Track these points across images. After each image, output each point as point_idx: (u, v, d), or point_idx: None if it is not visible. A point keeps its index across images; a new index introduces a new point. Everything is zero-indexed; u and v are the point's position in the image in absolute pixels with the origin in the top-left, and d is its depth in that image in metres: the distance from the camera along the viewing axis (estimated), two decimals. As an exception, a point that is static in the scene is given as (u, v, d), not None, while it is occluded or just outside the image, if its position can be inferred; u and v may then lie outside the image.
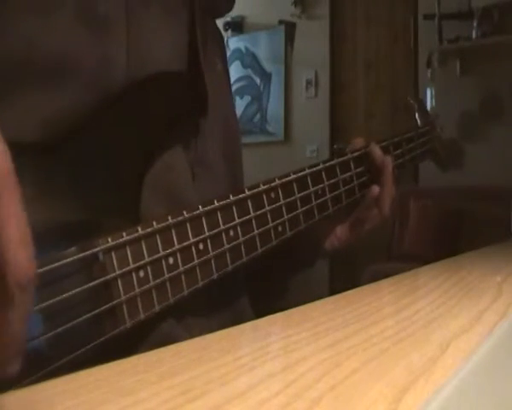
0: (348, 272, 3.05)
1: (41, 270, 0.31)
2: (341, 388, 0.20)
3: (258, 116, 3.75)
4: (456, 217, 2.67)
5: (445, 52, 3.02)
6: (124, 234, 0.36)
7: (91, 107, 0.40)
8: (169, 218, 0.38)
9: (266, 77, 3.74)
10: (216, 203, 0.42)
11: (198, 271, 0.40)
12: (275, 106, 3.68)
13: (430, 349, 0.25)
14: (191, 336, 0.44)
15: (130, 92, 0.42)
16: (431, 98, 2.94)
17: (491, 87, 2.89)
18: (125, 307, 0.36)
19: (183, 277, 0.39)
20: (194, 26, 0.50)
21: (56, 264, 0.32)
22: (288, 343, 0.27)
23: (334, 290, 0.42)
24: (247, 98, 3.79)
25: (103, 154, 0.40)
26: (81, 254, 0.34)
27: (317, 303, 0.38)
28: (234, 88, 3.67)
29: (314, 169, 0.53)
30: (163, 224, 0.38)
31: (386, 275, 0.52)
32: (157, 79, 0.43)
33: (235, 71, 3.76)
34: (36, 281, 0.25)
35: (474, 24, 2.86)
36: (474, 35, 2.87)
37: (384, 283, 0.48)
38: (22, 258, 0.24)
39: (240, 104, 3.75)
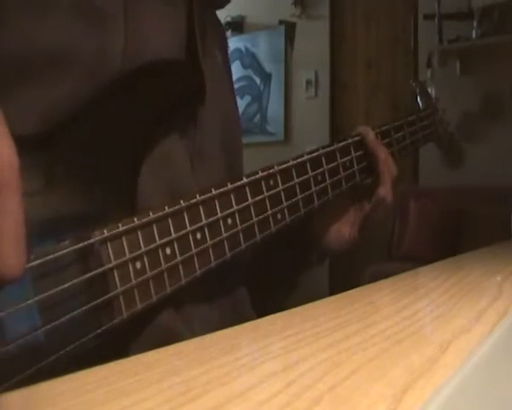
0: (348, 272, 3.05)
1: (36, 262, 0.31)
2: (341, 388, 0.20)
3: (258, 116, 3.75)
4: (456, 217, 2.67)
5: (445, 52, 3.02)
6: (120, 225, 0.35)
7: (89, 98, 0.40)
8: (166, 207, 0.38)
9: (266, 77, 3.74)
10: (213, 191, 0.42)
11: (196, 260, 0.40)
12: (275, 106, 3.68)
13: (430, 349, 0.25)
14: (191, 325, 0.45)
15: (126, 81, 0.42)
16: (431, 98, 2.94)
17: (491, 87, 2.89)
18: (121, 298, 0.35)
19: (180, 266, 0.39)
20: (193, 16, 0.49)
21: (52, 256, 0.32)
22: (288, 343, 0.27)
23: (334, 290, 0.42)
24: (247, 98, 3.79)
25: (101, 144, 0.40)
26: (76, 246, 0.34)
27: (317, 303, 0.38)
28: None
29: (313, 155, 0.53)
30: (159, 213, 0.38)
31: (386, 275, 0.52)
32: (154, 66, 0.43)
33: (235, 71, 3.75)
34: (21, 279, 0.25)
35: (474, 24, 2.86)
36: (474, 35, 2.87)
37: (384, 283, 0.48)
38: (12, 255, 0.23)
39: (240, 104, 3.74)
